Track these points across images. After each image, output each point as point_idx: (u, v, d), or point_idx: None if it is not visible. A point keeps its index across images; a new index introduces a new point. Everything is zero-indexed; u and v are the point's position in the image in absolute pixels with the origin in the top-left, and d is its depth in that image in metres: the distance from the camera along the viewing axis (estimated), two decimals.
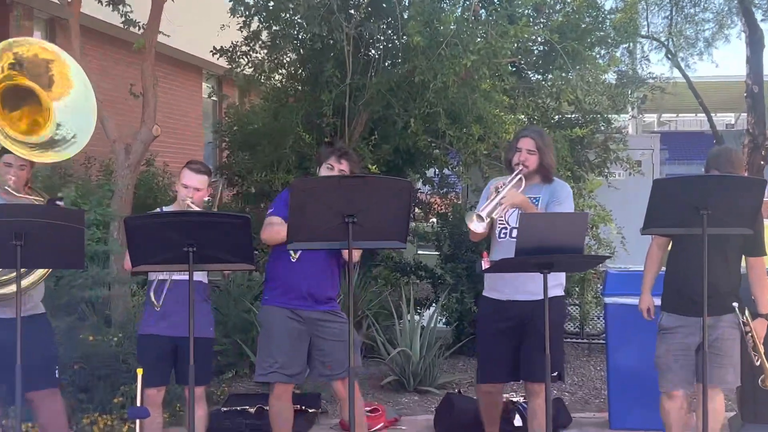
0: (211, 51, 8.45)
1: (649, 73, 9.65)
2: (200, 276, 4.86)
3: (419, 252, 11.93)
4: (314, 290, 4.89)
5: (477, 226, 4.63)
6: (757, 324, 4.88)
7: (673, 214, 4.39)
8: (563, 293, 5.06)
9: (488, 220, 4.62)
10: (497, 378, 5.06)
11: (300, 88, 8.50)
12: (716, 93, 37.34)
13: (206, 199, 5.04)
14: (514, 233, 4.83)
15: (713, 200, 4.24)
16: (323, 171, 4.92)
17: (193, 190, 4.83)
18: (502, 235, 4.95)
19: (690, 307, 4.74)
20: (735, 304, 4.77)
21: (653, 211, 4.36)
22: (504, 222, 4.94)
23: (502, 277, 4.83)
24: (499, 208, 4.69)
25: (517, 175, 4.86)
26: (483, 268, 4.57)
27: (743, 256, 4.95)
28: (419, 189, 9.80)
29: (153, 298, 4.79)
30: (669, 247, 5.14)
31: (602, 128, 8.82)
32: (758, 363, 4.90)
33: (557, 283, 4.95)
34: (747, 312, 4.87)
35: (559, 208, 4.88)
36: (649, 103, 12.08)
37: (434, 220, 9.88)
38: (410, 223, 9.78)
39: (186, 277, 4.67)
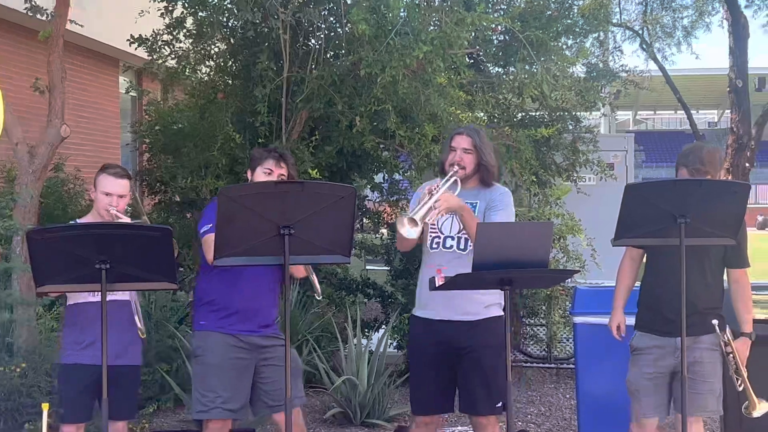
0: (129, 40, 8.38)
1: (622, 65, 9.77)
2: (127, 294, 4.83)
3: (368, 267, 11.96)
4: (259, 312, 4.89)
5: (410, 232, 4.58)
6: (739, 344, 4.95)
7: (647, 224, 4.45)
8: (502, 312, 4.97)
9: (421, 225, 4.59)
10: (432, 409, 5.03)
11: (230, 82, 8.46)
12: (697, 88, 38.08)
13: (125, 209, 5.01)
14: (448, 243, 4.91)
15: (692, 207, 4.31)
16: (259, 176, 4.88)
17: (116, 198, 4.81)
18: (434, 246, 4.95)
19: (665, 325, 4.81)
20: (715, 322, 4.84)
21: (625, 220, 4.42)
22: (436, 230, 4.94)
23: (432, 293, 4.73)
24: (433, 212, 4.65)
25: (451, 176, 4.88)
26: (436, 285, 4.57)
27: (725, 269, 5.04)
28: (366, 196, 9.81)
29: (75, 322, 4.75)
30: (644, 260, 5.22)
31: (570, 127, 8.92)
32: (741, 388, 4.97)
33: (495, 302, 4.93)
34: (728, 331, 4.94)
35: (497, 217, 4.89)
36: (623, 99, 12.27)
37: (384, 231, 9.90)
38: (356, 234, 9.86)
39: (114, 296, 4.69)
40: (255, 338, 4.89)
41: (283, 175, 4.89)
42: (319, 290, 5.39)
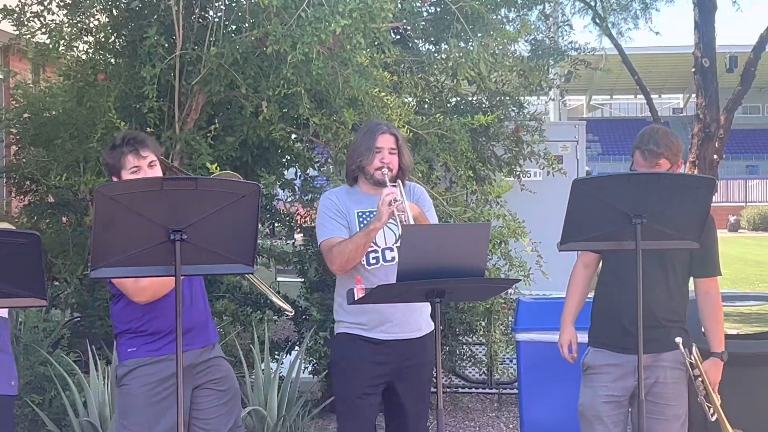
0: None
1: (572, 42, 9.86)
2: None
3: (279, 279, 11.92)
4: (194, 326, 4.86)
5: None
6: (709, 366, 5.02)
7: (598, 225, 4.50)
8: None
9: None
10: None
11: (113, 61, 8.36)
12: (659, 68, 38.71)
13: None
14: (388, 255, 5.05)
15: (649, 206, 4.37)
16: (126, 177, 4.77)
17: None
18: (372, 261, 5.08)
19: (622, 341, 4.86)
20: (678, 340, 4.90)
21: (573, 221, 4.47)
22: (372, 244, 5.04)
23: (374, 308, 4.95)
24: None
25: (396, 180, 5.05)
26: (356, 299, 4.59)
27: (691, 278, 5.11)
28: (276, 195, 9.78)
29: None
30: (599, 267, 5.28)
31: (513, 114, 9.00)
32: (714, 417, 5.02)
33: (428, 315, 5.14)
34: (695, 349, 5.00)
35: (431, 216, 5.18)
36: (575, 82, 12.40)
37: (298, 237, 9.87)
38: (263, 240, 9.82)
39: None
40: (192, 354, 4.82)
41: (152, 162, 4.77)
42: (289, 307, 5.42)
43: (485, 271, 4.46)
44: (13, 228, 4.60)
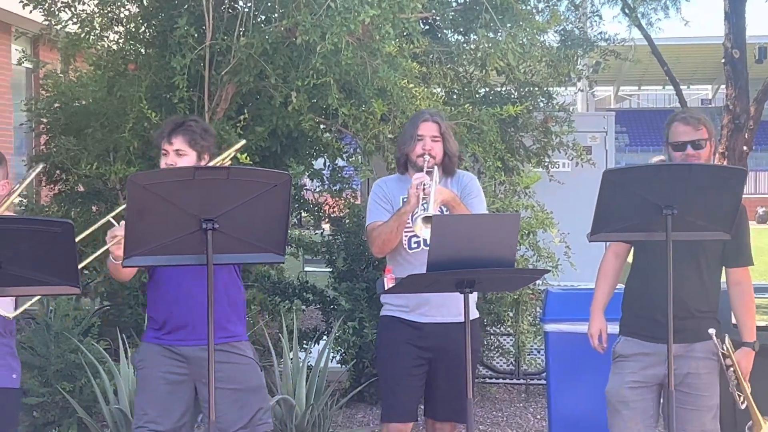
0: (22, 2, 8.28)
1: (601, 33, 9.82)
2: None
3: (306, 269, 11.96)
4: (196, 317, 4.85)
5: (427, 231, 4.75)
6: (741, 355, 5.00)
7: (628, 216, 4.49)
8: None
9: None
10: (412, 415, 5.33)
11: (143, 51, 8.40)
12: (688, 59, 38.48)
13: (19, 200, 4.98)
14: None
15: (680, 197, 4.35)
16: (161, 162, 4.92)
17: None
18: (413, 245, 5.20)
19: (654, 330, 4.84)
20: (712, 331, 4.90)
21: (603, 212, 4.46)
22: (412, 228, 5.09)
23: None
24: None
25: (433, 166, 5.12)
26: (386, 288, 4.62)
27: (722, 268, 5.10)
28: (304, 185, 9.81)
29: None
30: (630, 257, 5.27)
31: (542, 105, 8.98)
32: (744, 406, 5.02)
33: (474, 301, 5.22)
34: (728, 340, 5.00)
35: (476, 204, 5.25)
36: (603, 73, 12.34)
37: (326, 226, 9.91)
38: (291, 230, 9.85)
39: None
40: (190, 349, 4.87)
41: (179, 150, 4.85)
42: None
43: (515, 261, 4.47)
44: (15, 215, 4.64)
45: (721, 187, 4.44)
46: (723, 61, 12.54)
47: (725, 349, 4.96)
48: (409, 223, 5.08)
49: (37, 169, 5.34)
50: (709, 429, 5.02)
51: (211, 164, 4.88)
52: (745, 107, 12.43)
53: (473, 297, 5.18)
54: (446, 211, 5.13)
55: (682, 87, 17.70)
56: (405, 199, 5.17)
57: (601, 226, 4.50)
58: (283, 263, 4.31)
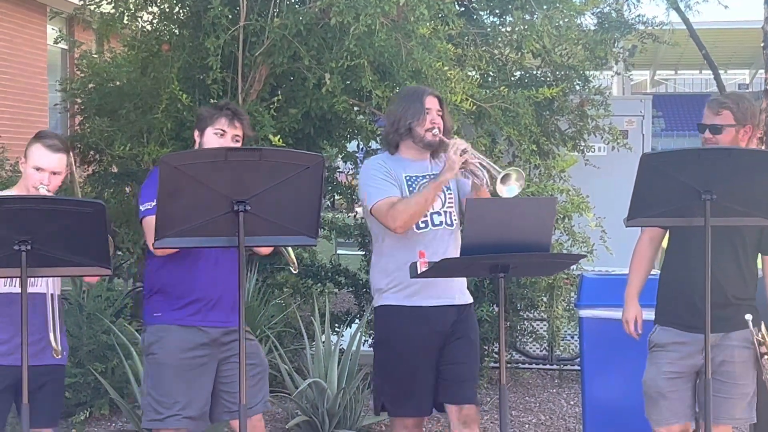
0: None
1: (639, 16, 9.71)
2: (51, 285, 4.75)
3: (339, 252, 11.94)
4: (223, 299, 4.91)
5: (512, 189, 4.76)
6: None
7: (666, 201, 4.44)
8: None
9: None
10: (427, 407, 5.18)
11: (177, 32, 8.38)
12: (726, 43, 38.10)
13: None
14: (436, 219, 5.03)
15: (719, 181, 4.30)
16: (209, 139, 4.90)
17: (49, 175, 4.77)
18: (422, 225, 5.02)
19: (691, 319, 4.77)
20: (748, 317, 4.81)
21: (641, 197, 4.40)
22: None
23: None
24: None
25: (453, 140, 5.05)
26: (419, 272, 4.56)
27: (759, 255, 5.03)
28: (338, 167, 9.77)
29: None
30: (665, 243, 5.20)
31: (578, 88, 8.89)
32: None
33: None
34: (763, 327, 4.92)
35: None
36: (639, 56, 12.22)
37: (359, 209, 9.86)
38: (325, 212, 9.82)
39: (34, 288, 4.62)
40: (218, 331, 4.91)
41: (238, 136, 4.91)
42: (295, 262, 5.41)
43: (550, 246, 4.42)
44: (46, 195, 4.63)
45: (761, 172, 4.37)
46: (762, 44, 12.39)
47: (761, 336, 4.88)
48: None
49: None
50: (744, 417, 5.00)
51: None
52: None
53: (462, 280, 5.16)
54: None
55: (720, 71, 17.48)
56: (412, 179, 5.07)
57: (639, 210, 4.46)
58: (315, 246, 4.26)
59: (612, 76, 11.63)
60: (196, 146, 4.95)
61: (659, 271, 5.18)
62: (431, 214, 5.01)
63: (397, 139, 5.17)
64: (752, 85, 54.47)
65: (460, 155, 4.85)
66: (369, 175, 5.15)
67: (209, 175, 3.91)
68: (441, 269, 4.40)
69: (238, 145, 4.86)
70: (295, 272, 5.78)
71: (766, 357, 4.89)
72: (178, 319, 4.87)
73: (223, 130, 4.86)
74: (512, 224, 4.26)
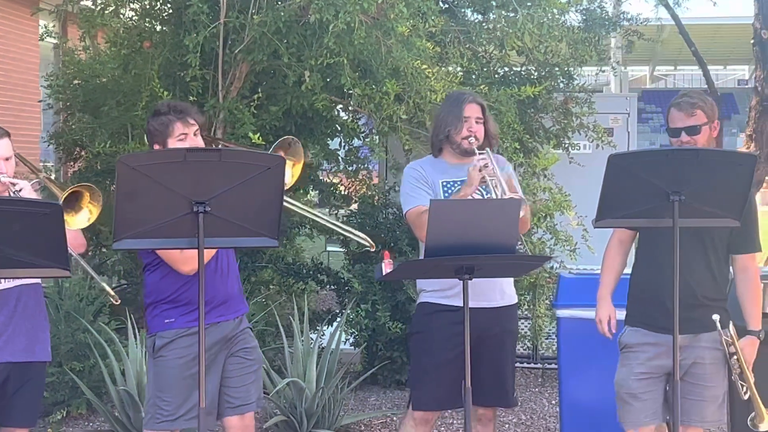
0: None
1: (623, 13, 9.63)
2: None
3: (329, 249, 11.88)
4: (227, 294, 4.89)
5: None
6: (745, 343, 4.89)
7: (634, 202, 4.40)
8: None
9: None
10: (440, 404, 5.36)
11: (159, 28, 8.33)
12: (724, 39, 37.95)
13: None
14: None
15: (688, 182, 4.25)
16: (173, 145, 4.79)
17: (2, 162, 4.75)
18: None
19: (660, 319, 4.73)
20: (716, 317, 4.75)
21: (609, 198, 4.37)
22: None
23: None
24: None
25: (485, 149, 5.13)
26: (384, 273, 4.52)
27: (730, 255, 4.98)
28: (321, 165, 9.71)
29: None
30: (636, 244, 5.16)
31: (562, 85, 8.82)
32: (747, 396, 4.92)
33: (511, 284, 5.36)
34: (731, 327, 4.86)
35: (518, 186, 5.29)
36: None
37: (354, 206, 9.79)
38: (313, 210, 9.75)
39: (13, 283, 4.69)
40: (229, 325, 4.87)
41: (197, 129, 4.80)
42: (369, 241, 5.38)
43: (515, 247, 4.37)
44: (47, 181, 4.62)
45: (730, 173, 4.33)
46: (752, 41, 12.30)
47: (729, 336, 4.83)
48: None
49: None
50: (715, 419, 4.96)
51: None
52: None
53: (509, 280, 5.29)
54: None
55: (718, 67, 17.42)
56: (448, 184, 5.18)
57: (607, 212, 4.42)
58: (277, 246, 4.21)
59: (601, 72, 11.49)
60: None
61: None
62: None
63: (438, 144, 5.30)
64: (752, 80, 54.35)
65: (479, 171, 4.92)
66: (405, 182, 5.31)
67: (168, 175, 3.88)
68: (404, 271, 4.37)
69: (198, 138, 4.78)
70: (372, 249, 5.68)
71: (735, 357, 4.84)
72: (189, 322, 4.75)
73: (184, 134, 4.75)
74: (477, 226, 4.22)
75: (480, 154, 5.03)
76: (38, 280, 4.89)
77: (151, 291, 4.90)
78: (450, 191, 5.16)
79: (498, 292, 5.16)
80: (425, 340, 5.26)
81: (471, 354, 4.97)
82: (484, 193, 5.05)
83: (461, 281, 4.74)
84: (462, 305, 4.92)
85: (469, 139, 5.12)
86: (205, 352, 4.74)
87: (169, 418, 4.79)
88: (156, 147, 4.82)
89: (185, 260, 4.62)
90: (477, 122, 5.19)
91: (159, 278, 4.85)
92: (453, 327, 5.03)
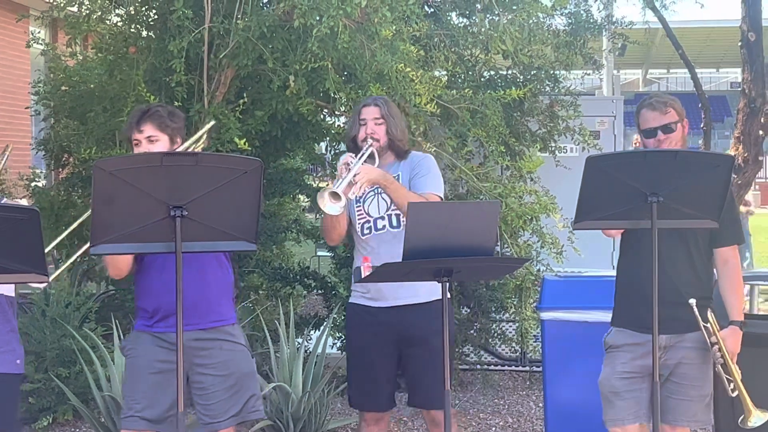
0: None
1: (608, 16, 9.63)
2: (3, 286, 4.73)
3: (319, 253, 11.89)
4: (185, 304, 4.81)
5: (332, 208, 4.83)
6: (727, 334, 4.86)
7: (613, 203, 4.42)
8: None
9: (344, 199, 4.83)
10: (383, 404, 5.35)
11: (144, 33, 8.32)
12: (716, 42, 38.10)
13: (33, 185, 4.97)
14: (380, 224, 5.16)
15: (665, 183, 4.28)
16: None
17: None
18: (365, 231, 5.19)
19: (646, 320, 4.69)
20: (692, 301, 4.72)
21: (587, 200, 4.41)
22: (363, 214, 5.20)
23: None
24: (355, 186, 4.89)
25: (367, 149, 5.13)
26: (363, 276, 4.53)
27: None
28: (305, 170, 9.71)
29: None
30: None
31: (547, 89, 8.82)
32: (734, 393, 4.89)
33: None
34: (711, 315, 4.83)
35: (424, 181, 5.18)
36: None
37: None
38: (297, 214, 9.75)
39: None
40: (186, 335, 4.76)
41: (151, 137, 4.77)
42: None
43: (494, 250, 4.37)
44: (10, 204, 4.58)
45: (708, 174, 4.35)
46: (740, 43, 12.32)
47: (711, 326, 4.82)
48: (359, 208, 5.20)
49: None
50: (701, 419, 4.97)
51: (182, 147, 4.83)
52: (761, 91, 12.16)
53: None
54: (379, 196, 5.16)
55: (710, 70, 17.47)
56: None
57: (585, 213, 4.46)
58: (255, 251, 4.21)
59: (586, 75, 11.44)
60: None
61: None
62: (375, 219, 5.17)
63: (350, 149, 5.33)
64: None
65: (340, 167, 5.03)
66: None
67: (145, 180, 3.89)
68: (383, 274, 4.36)
69: (158, 145, 4.76)
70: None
71: (716, 347, 4.82)
72: (147, 327, 4.85)
73: (136, 140, 4.80)
74: (454, 228, 4.21)
75: (370, 154, 5.08)
76: (8, 292, 4.83)
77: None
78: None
79: (410, 288, 5.07)
80: (354, 343, 5.39)
81: (400, 354, 5.21)
82: (386, 197, 5.12)
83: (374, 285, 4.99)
84: (378, 306, 5.15)
85: (366, 140, 5.16)
86: (160, 355, 4.80)
87: (122, 415, 4.88)
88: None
89: (111, 265, 4.75)
90: (377, 123, 5.21)
91: (135, 278, 4.94)
92: (376, 328, 5.17)
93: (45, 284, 5.14)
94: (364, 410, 5.37)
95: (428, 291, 5.06)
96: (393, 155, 5.26)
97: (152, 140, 4.75)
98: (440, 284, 4.24)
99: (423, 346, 5.11)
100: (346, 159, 5.05)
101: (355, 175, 4.88)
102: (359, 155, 5.05)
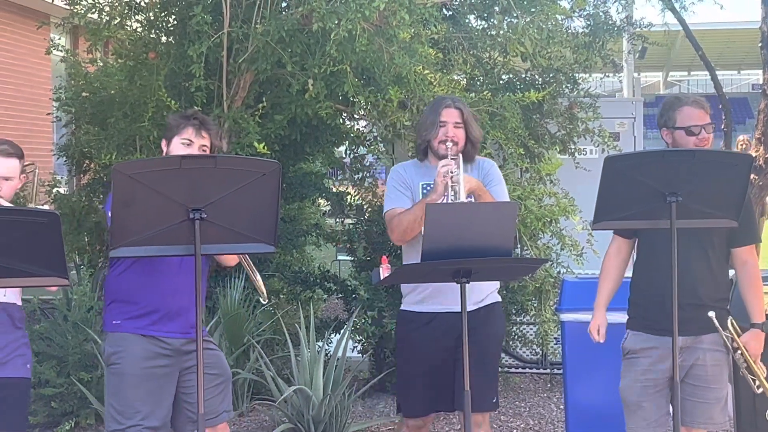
0: None
1: (627, 17, 9.59)
2: (10, 295, 4.75)
3: (339, 258, 11.90)
4: (183, 310, 4.84)
5: None
6: (749, 338, 4.88)
7: (631, 203, 4.42)
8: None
9: None
10: (427, 409, 5.32)
11: (164, 39, 8.36)
12: (737, 44, 37.93)
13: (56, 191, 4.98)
14: None
15: (684, 183, 4.27)
16: (176, 149, 4.86)
17: (1, 181, 4.73)
18: None
19: (663, 322, 4.70)
20: (711, 314, 4.71)
21: (605, 200, 4.40)
22: None
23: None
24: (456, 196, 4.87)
25: (457, 153, 5.07)
26: (381, 278, 4.54)
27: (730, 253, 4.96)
28: (325, 174, 9.72)
29: None
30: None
31: (566, 91, 8.81)
32: (760, 390, 4.89)
33: (495, 287, 5.27)
34: (731, 321, 4.84)
35: (499, 190, 5.20)
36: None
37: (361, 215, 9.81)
38: (317, 218, 9.76)
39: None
40: (178, 341, 4.86)
41: (205, 146, 4.87)
42: (264, 292, 5.44)
43: (512, 250, 4.38)
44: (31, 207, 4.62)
45: (727, 174, 4.34)
46: (760, 44, 12.27)
47: (729, 331, 4.83)
48: None
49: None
50: (718, 421, 4.95)
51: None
52: None
53: (495, 282, 5.24)
54: (473, 200, 5.05)
55: (732, 72, 17.40)
56: (427, 186, 5.15)
57: (604, 214, 4.45)
58: (274, 252, 4.22)
59: (605, 77, 11.41)
60: (163, 155, 4.93)
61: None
62: None
63: (420, 148, 5.32)
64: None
65: (443, 177, 4.88)
66: (388, 184, 5.36)
67: (164, 183, 3.91)
68: (401, 275, 4.37)
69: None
70: (264, 302, 5.82)
71: (738, 352, 4.81)
72: (137, 328, 4.82)
73: (189, 140, 4.82)
74: (473, 229, 4.23)
75: (452, 158, 5.00)
76: (15, 300, 4.85)
77: (109, 288, 4.97)
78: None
79: (471, 294, 4.97)
80: (404, 350, 5.32)
81: (452, 359, 5.10)
82: (454, 198, 5.00)
83: (434, 289, 4.94)
84: (437, 312, 5.09)
85: (446, 143, 5.09)
86: (156, 366, 4.81)
87: (118, 427, 4.80)
88: (164, 142, 4.92)
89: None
90: (456, 127, 5.16)
91: (118, 274, 4.89)
92: (430, 333, 5.13)
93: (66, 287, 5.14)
94: (418, 416, 5.32)
95: (491, 295, 5.20)
96: (461, 158, 5.15)
97: (204, 150, 4.84)
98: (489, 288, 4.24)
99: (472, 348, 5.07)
100: (448, 167, 4.92)
101: (456, 184, 4.87)
102: (453, 162, 4.96)
